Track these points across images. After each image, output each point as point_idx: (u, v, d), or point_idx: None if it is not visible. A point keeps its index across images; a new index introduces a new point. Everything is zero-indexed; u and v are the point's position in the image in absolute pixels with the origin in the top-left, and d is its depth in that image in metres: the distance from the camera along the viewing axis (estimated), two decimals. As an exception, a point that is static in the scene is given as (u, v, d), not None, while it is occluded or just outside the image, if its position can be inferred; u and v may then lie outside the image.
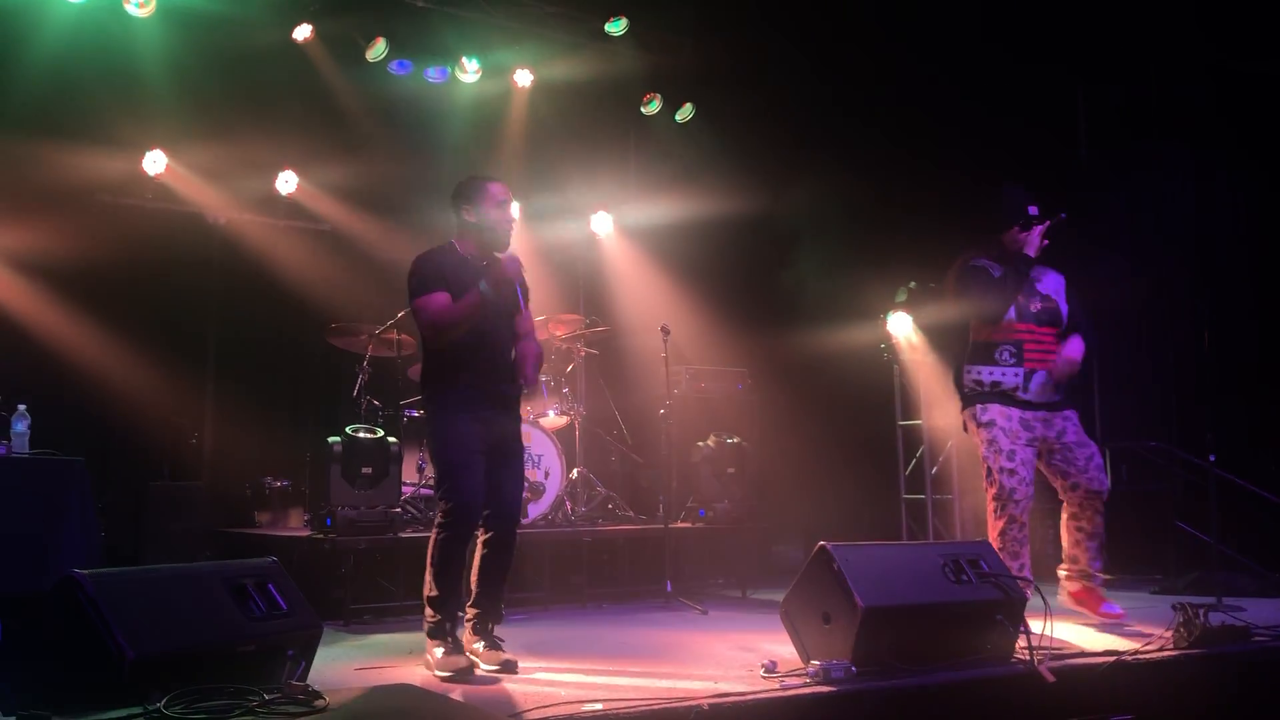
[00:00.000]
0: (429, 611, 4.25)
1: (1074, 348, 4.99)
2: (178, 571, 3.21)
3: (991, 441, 4.89)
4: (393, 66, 8.17)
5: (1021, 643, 4.05)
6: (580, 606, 6.32)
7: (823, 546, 3.94)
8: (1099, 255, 8.66)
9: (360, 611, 5.73)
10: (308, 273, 7.89)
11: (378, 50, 8.00)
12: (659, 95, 9.01)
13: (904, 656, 3.80)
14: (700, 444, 7.26)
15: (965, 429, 5.12)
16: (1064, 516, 5.16)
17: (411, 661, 4.41)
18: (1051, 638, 4.12)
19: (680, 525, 6.76)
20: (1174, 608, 4.45)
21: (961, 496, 8.26)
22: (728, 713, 3.34)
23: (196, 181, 7.73)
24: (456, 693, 3.61)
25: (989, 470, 4.89)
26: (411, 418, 6.94)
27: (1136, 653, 4.16)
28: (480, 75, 8.44)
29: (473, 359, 4.32)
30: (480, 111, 8.62)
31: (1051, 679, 3.79)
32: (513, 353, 4.50)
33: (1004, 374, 4.93)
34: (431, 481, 6.88)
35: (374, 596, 5.88)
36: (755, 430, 7.99)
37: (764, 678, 3.78)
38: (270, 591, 3.31)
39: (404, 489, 6.54)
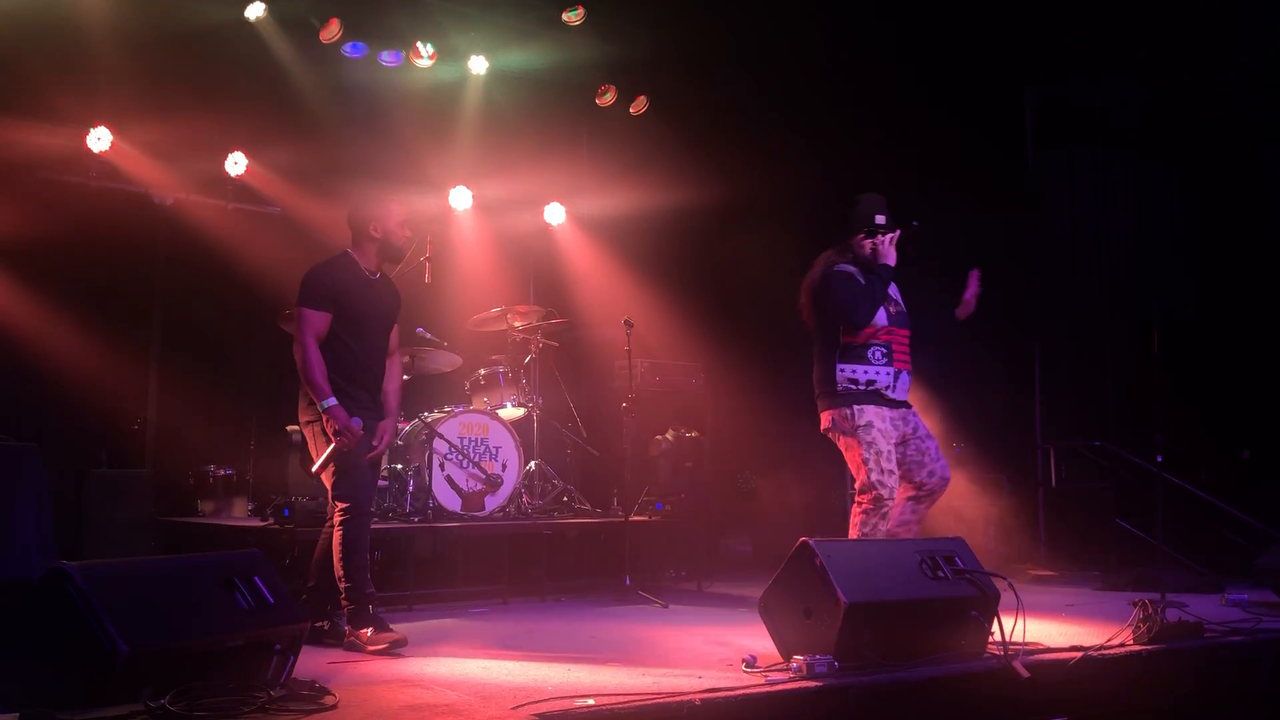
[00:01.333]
0: (348, 601, 4.49)
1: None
2: (166, 564, 3.12)
3: (871, 444, 4.99)
4: (347, 49, 8.01)
5: (993, 638, 4.13)
6: (539, 600, 6.29)
7: (805, 542, 3.97)
8: (1041, 257, 8.89)
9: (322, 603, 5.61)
10: (256, 257, 7.71)
11: (331, 31, 7.84)
12: (614, 87, 8.98)
13: (884, 651, 3.85)
14: (659, 437, 7.27)
15: (832, 427, 5.17)
16: (908, 506, 5.21)
17: (382, 655, 4.34)
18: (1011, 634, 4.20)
19: (637, 518, 6.76)
20: (1133, 604, 4.58)
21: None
22: (719, 707, 3.35)
23: (143, 160, 7.50)
24: (449, 686, 3.56)
25: (869, 471, 4.99)
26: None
27: (1101, 648, 4.27)
28: (435, 61, 8.31)
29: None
30: (435, 97, 8.49)
31: (1026, 674, 3.88)
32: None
33: (878, 373, 5.06)
34: (386, 474, 6.80)
35: (332, 588, 5.75)
36: (708, 424, 8.03)
37: (747, 672, 3.80)
38: (257, 584, 3.23)
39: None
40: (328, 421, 4.40)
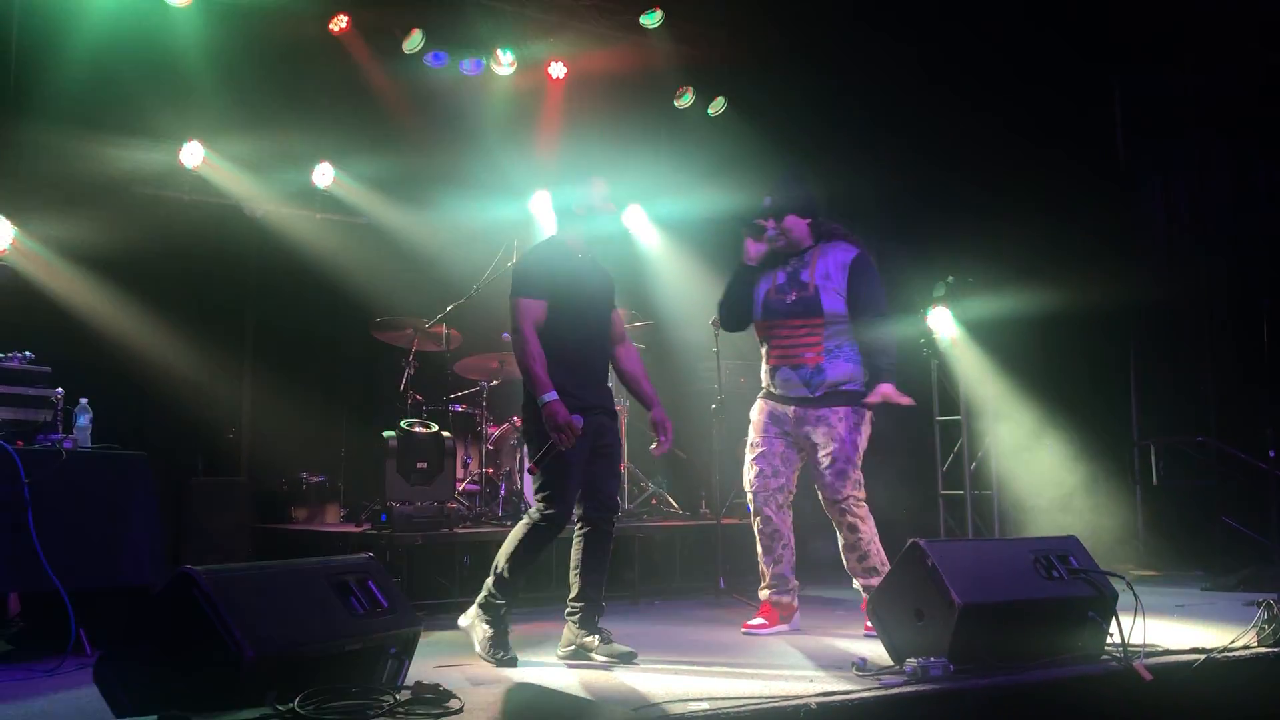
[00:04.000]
0: (495, 592, 4.34)
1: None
2: (284, 569, 3.14)
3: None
4: (428, 59, 8.12)
5: (1110, 640, 4.01)
6: (633, 603, 6.27)
7: (915, 543, 3.89)
8: (1136, 249, 8.65)
9: (417, 608, 5.64)
10: (345, 266, 7.84)
11: (414, 42, 7.95)
12: (692, 89, 8.97)
13: (999, 654, 3.75)
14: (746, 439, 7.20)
15: None
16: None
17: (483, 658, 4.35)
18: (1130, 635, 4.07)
19: (728, 521, 6.71)
20: (1257, 604, 4.41)
21: (1000, 492, 8.23)
22: (835, 711, 3.29)
23: (234, 174, 7.65)
24: (562, 690, 3.55)
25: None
26: (457, 412, 6.89)
27: (1225, 650, 4.11)
28: (515, 67, 8.38)
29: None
30: (515, 104, 8.56)
31: (1149, 677, 3.75)
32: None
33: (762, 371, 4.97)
34: (477, 478, 6.84)
35: (430, 593, 5.81)
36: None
37: (858, 675, 3.73)
38: (371, 589, 3.25)
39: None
40: (546, 418, 4.13)
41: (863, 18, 8.30)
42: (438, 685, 2.86)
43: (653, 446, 4.59)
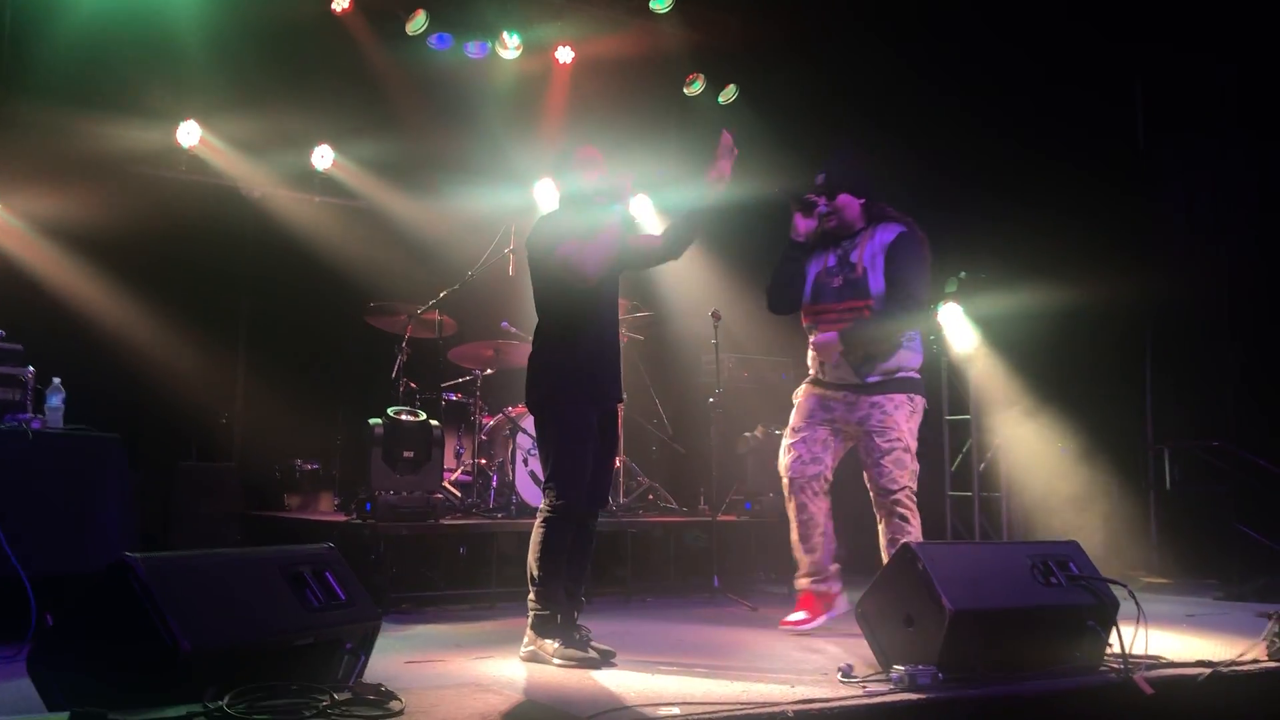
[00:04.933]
0: (538, 604, 4.06)
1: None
2: (232, 557, 3.00)
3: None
4: (432, 41, 7.97)
5: (1111, 651, 3.82)
6: (624, 599, 6.11)
7: (906, 545, 3.72)
8: (1154, 247, 8.43)
9: (399, 600, 5.52)
10: (343, 250, 7.71)
11: (417, 23, 7.79)
12: (702, 75, 8.79)
13: (991, 663, 3.57)
14: (747, 435, 7.04)
15: None
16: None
17: (459, 655, 4.21)
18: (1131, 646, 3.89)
19: (725, 518, 6.54)
20: (1267, 616, 4.22)
21: (1010, 495, 8.03)
22: (814, 719, 3.12)
23: (231, 154, 7.54)
24: (523, 692, 3.40)
25: None
26: (450, 401, 6.74)
27: (1232, 664, 3.92)
28: (521, 51, 8.22)
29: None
30: (520, 89, 8.40)
31: (1150, 691, 3.56)
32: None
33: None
34: (470, 469, 6.69)
35: (413, 585, 5.67)
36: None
37: (843, 682, 3.55)
38: (328, 580, 3.10)
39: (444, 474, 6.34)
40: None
41: (879, 6, 8.10)
42: (380, 685, 2.70)
43: None
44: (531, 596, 4.08)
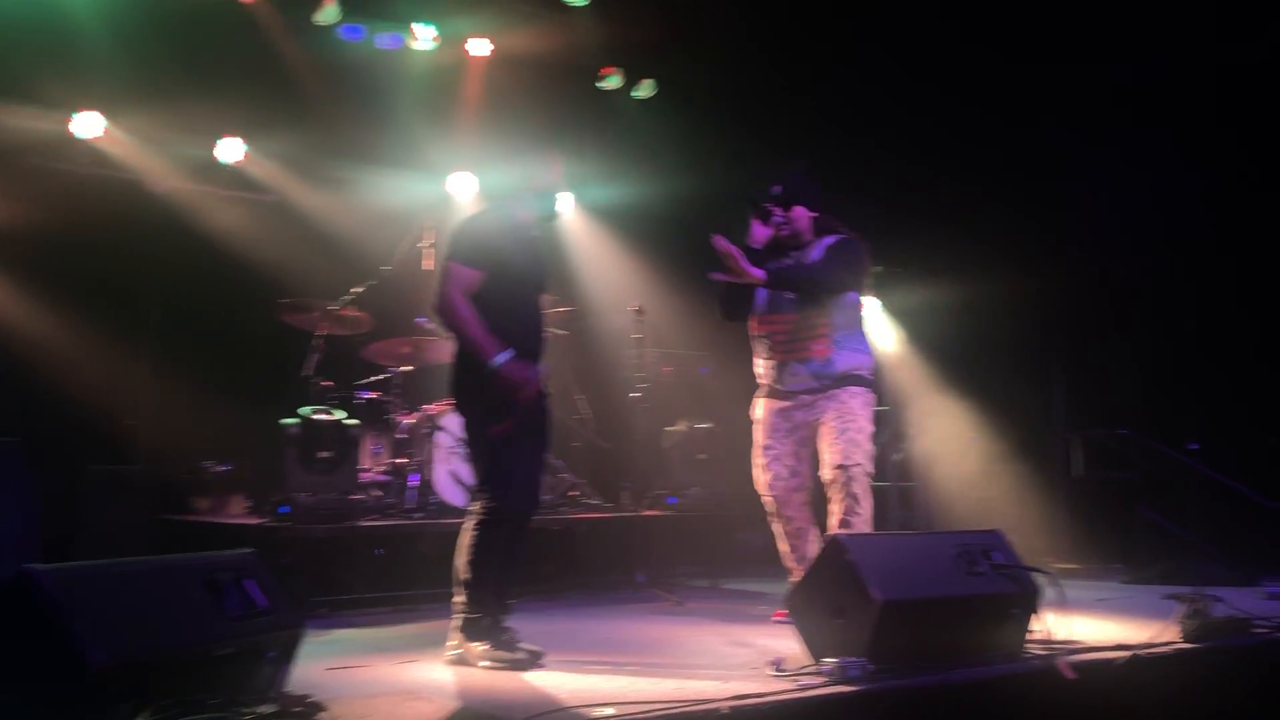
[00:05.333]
0: (468, 607, 3.97)
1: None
2: (146, 566, 2.87)
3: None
4: (343, 31, 7.76)
5: (1033, 638, 3.89)
6: (549, 598, 6.03)
7: (835, 537, 3.74)
8: (1061, 242, 8.63)
9: (316, 604, 5.38)
10: (253, 245, 7.47)
11: (328, 13, 7.57)
12: (619, 70, 8.75)
13: (919, 652, 3.60)
14: (670, 429, 7.04)
15: None
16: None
17: (382, 660, 4.11)
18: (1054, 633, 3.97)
19: (650, 513, 6.52)
20: (1179, 599, 4.33)
21: (926, 484, 8.15)
22: (749, 714, 3.10)
23: (134, 147, 7.26)
24: (456, 697, 3.32)
25: None
26: (366, 399, 6.60)
27: (1149, 646, 4.02)
28: (435, 43, 8.08)
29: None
30: (434, 81, 8.24)
31: (1072, 675, 3.63)
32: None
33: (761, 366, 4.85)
34: (387, 469, 6.57)
35: (330, 588, 5.54)
36: (718, 416, 7.77)
37: (775, 676, 3.55)
38: (248, 587, 2.99)
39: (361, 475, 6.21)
40: (502, 382, 3.84)
41: (797, 4, 8.14)
42: (307, 696, 2.61)
43: None
44: (460, 599, 3.99)
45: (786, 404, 4.73)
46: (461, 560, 4.01)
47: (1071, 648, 3.93)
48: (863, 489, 4.61)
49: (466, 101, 8.39)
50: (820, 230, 4.84)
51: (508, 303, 4.08)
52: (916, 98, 8.31)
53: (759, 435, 4.79)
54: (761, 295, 4.83)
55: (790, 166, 4.93)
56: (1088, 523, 7.80)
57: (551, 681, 3.61)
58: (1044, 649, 3.78)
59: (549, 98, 8.67)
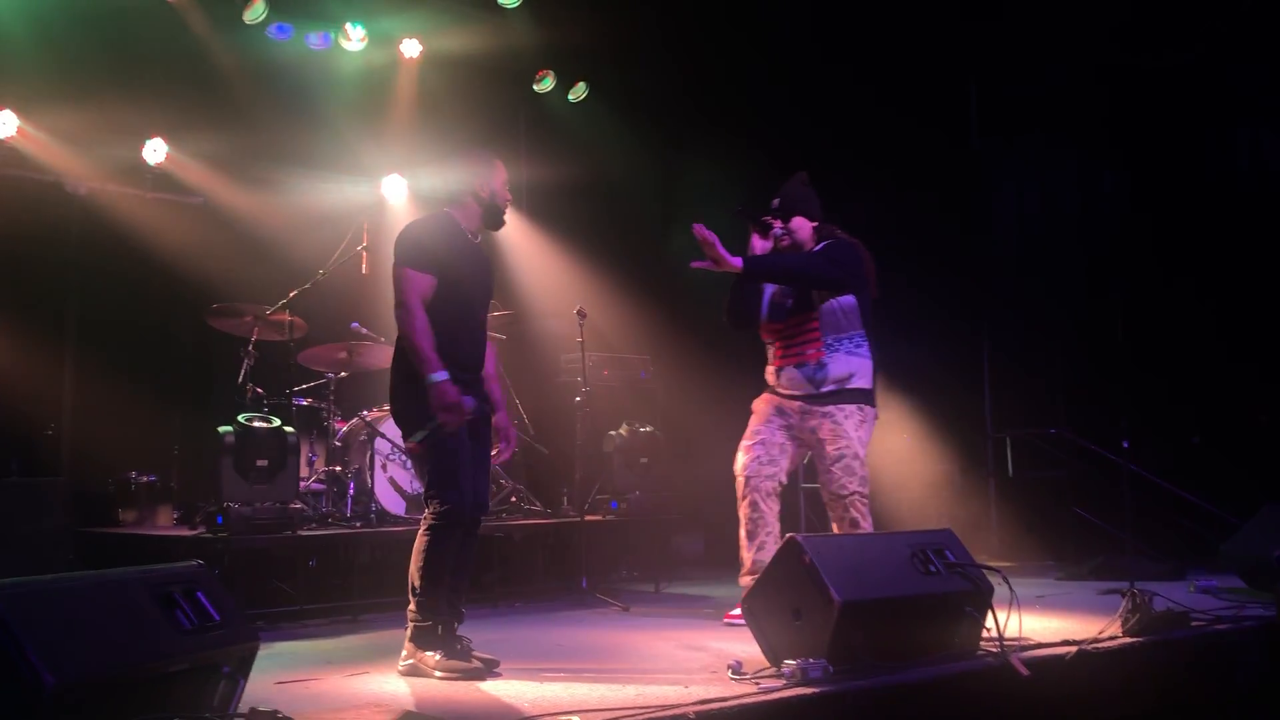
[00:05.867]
0: (418, 615, 3.91)
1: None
2: (95, 580, 2.74)
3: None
4: (272, 30, 7.63)
5: (985, 635, 3.94)
6: (492, 606, 5.96)
7: (792, 538, 3.73)
8: (987, 245, 8.81)
9: (254, 617, 5.21)
10: (178, 249, 7.26)
11: (255, 11, 7.42)
12: (551, 72, 8.72)
13: (877, 652, 3.61)
14: (612, 433, 7.00)
15: None
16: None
17: (332, 672, 4.01)
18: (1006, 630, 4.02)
19: (591, 518, 6.47)
20: (1121, 594, 4.42)
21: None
22: (715, 718, 3.08)
23: (54, 147, 6.99)
24: (423, 708, 3.25)
25: None
26: (300, 406, 6.45)
27: (1094, 641, 4.09)
28: (366, 43, 7.97)
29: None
30: (366, 82, 8.13)
31: (1026, 673, 3.68)
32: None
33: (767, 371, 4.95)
34: (324, 477, 6.43)
35: (271, 600, 5.40)
36: (657, 420, 7.77)
37: (734, 680, 3.54)
38: (200, 600, 2.88)
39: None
40: (434, 398, 3.83)
41: (725, 6, 8.18)
42: (275, 712, 2.52)
43: (494, 452, 4.28)
44: (412, 607, 3.92)
45: (784, 403, 4.80)
46: (414, 567, 3.95)
47: (1022, 644, 3.98)
48: (860, 512, 4.74)
49: (399, 103, 8.29)
50: (822, 238, 4.92)
51: (454, 311, 4.05)
52: (844, 100, 8.41)
53: (751, 423, 4.85)
54: (765, 302, 4.90)
55: (788, 179, 5.02)
56: (1020, 521, 7.95)
57: (510, 691, 3.55)
58: (996, 646, 3.82)
59: (483, 100, 8.61)
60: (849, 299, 4.77)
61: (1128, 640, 4.19)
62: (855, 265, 4.79)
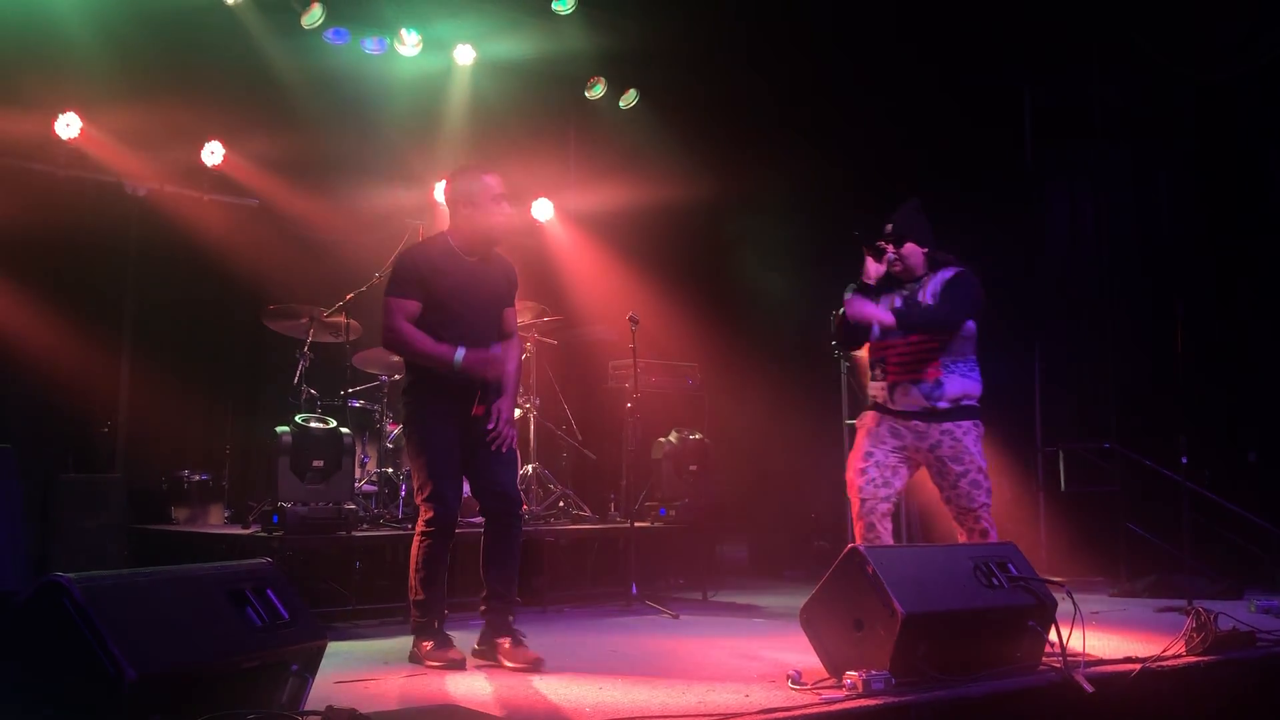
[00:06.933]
0: (417, 614, 4.28)
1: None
2: (170, 576, 2.77)
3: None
4: (329, 35, 7.71)
5: (1048, 650, 3.89)
6: (541, 610, 5.96)
7: (854, 549, 3.71)
8: (1040, 255, 8.71)
9: (309, 616, 5.26)
10: (234, 250, 7.35)
11: (313, 16, 7.52)
12: (603, 79, 8.74)
13: (940, 665, 3.58)
14: (661, 440, 6.99)
15: None
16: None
17: (389, 672, 4.04)
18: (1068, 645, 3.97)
19: (640, 524, 6.46)
20: (1182, 611, 4.36)
21: (907, 498, 8.15)
22: (779, 729, 3.07)
23: (115, 148, 7.12)
24: (488, 708, 3.25)
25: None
26: (354, 408, 6.50)
27: (1158, 659, 4.03)
28: (420, 49, 8.04)
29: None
30: (419, 87, 8.20)
31: (1090, 689, 3.62)
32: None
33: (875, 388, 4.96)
34: (375, 478, 6.47)
35: (325, 600, 5.43)
36: (704, 427, 7.75)
37: (795, 689, 3.51)
38: (270, 598, 2.90)
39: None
40: (476, 369, 4.10)
41: (777, 16, 8.16)
42: (353, 710, 2.53)
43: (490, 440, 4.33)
44: (412, 608, 4.28)
45: (897, 423, 4.81)
46: (410, 572, 4.27)
47: (1085, 660, 3.93)
48: (989, 523, 4.78)
49: (451, 109, 8.34)
50: (933, 264, 4.96)
51: (441, 330, 4.20)
52: (904, 112, 8.36)
53: (863, 442, 4.87)
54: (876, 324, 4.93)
55: (901, 205, 5.05)
56: (1070, 536, 7.84)
57: (570, 695, 3.54)
58: (1059, 661, 3.77)
59: (533, 106, 8.65)
60: (969, 325, 4.84)
61: (1192, 659, 4.12)
62: (980, 302, 4.85)
